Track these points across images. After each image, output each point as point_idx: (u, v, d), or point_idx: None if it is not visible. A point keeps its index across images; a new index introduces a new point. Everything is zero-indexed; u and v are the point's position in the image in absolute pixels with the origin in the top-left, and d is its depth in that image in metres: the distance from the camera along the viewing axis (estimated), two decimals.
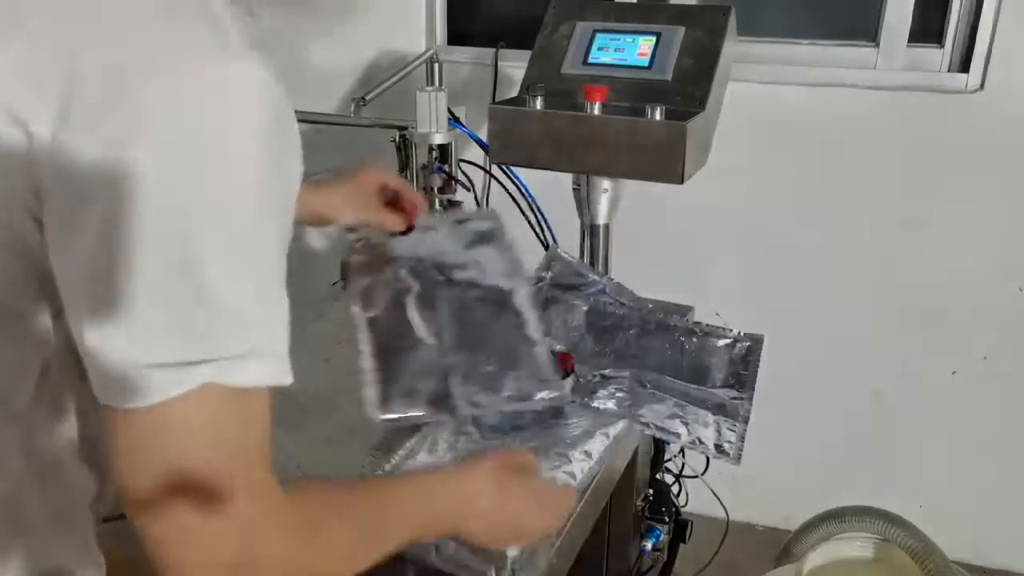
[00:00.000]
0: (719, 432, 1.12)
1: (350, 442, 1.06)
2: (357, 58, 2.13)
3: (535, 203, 1.68)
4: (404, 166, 1.47)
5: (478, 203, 1.76)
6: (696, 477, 1.50)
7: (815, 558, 1.54)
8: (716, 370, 1.22)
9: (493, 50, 2.00)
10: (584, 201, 1.46)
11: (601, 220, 1.47)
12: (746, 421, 1.14)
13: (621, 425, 1.10)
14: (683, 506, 1.53)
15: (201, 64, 0.55)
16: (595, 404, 1.14)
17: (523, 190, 1.67)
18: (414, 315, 1.10)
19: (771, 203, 1.98)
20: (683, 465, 1.52)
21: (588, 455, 1.03)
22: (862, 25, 1.91)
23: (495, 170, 1.68)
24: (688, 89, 1.30)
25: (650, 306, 1.36)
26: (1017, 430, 1.98)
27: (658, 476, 1.44)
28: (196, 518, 0.55)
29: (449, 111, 1.44)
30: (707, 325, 1.29)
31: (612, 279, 1.40)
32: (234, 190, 0.55)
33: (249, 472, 0.57)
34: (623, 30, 1.38)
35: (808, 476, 2.14)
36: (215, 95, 0.54)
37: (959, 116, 1.81)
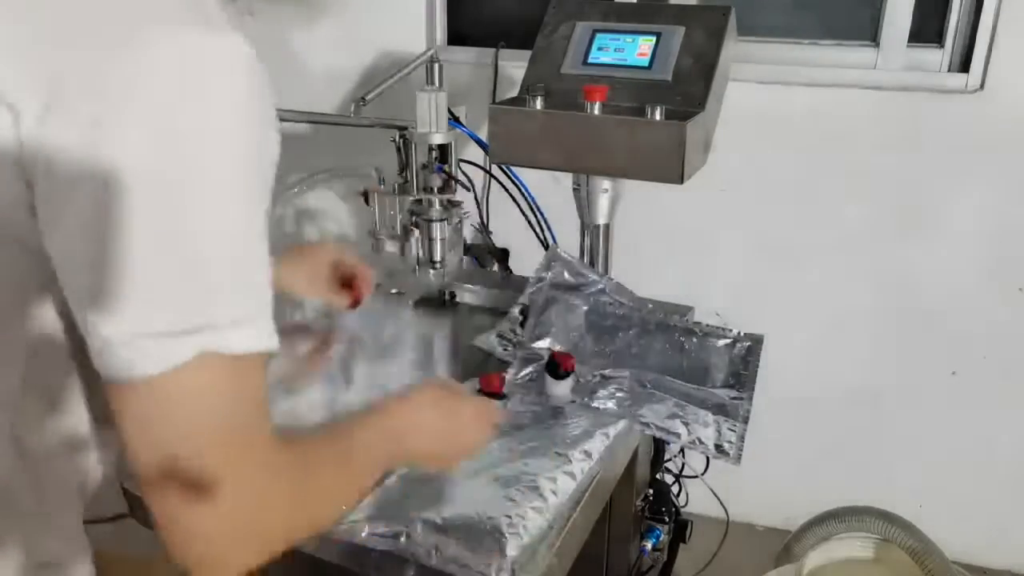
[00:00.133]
0: (719, 432, 1.12)
1: None
2: (357, 58, 2.13)
3: (535, 203, 1.68)
4: (404, 166, 1.47)
5: (478, 203, 1.76)
6: (696, 477, 1.50)
7: (815, 558, 1.54)
8: (716, 370, 1.22)
9: (493, 50, 2.00)
10: (584, 201, 1.46)
11: (601, 220, 1.47)
12: (746, 421, 1.14)
13: (621, 425, 1.10)
14: (683, 506, 1.53)
15: (184, 36, 0.56)
16: (595, 404, 1.14)
17: (523, 190, 1.67)
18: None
19: (771, 203, 1.98)
20: (683, 465, 1.52)
21: (588, 455, 1.03)
22: (862, 25, 1.91)
23: (495, 170, 1.68)
24: (688, 89, 1.30)
25: (650, 306, 1.36)
26: (1017, 430, 1.98)
27: (658, 476, 1.44)
28: (206, 483, 0.56)
29: (449, 111, 1.44)
30: (707, 325, 1.29)
31: (612, 279, 1.40)
32: (220, 162, 0.56)
33: (253, 435, 0.59)
34: (623, 30, 1.38)
35: (808, 476, 2.14)
36: (198, 65, 0.55)
37: (959, 116, 1.81)
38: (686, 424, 1.13)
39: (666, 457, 1.45)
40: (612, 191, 1.44)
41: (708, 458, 1.29)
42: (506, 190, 1.67)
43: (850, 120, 1.88)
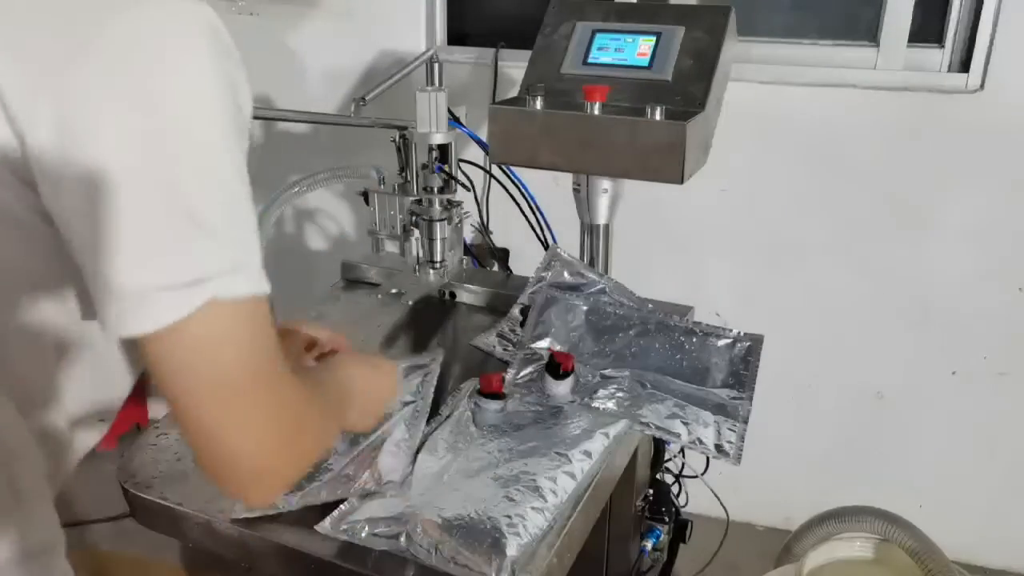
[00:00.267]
0: (719, 432, 1.12)
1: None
2: (357, 58, 2.13)
3: (535, 203, 1.68)
4: (404, 166, 1.47)
5: (478, 203, 1.76)
6: (696, 477, 1.50)
7: (815, 558, 1.54)
8: (716, 370, 1.22)
9: (493, 50, 2.00)
10: (584, 201, 1.46)
11: (601, 220, 1.47)
12: (746, 421, 1.14)
13: (621, 425, 1.10)
14: (683, 506, 1.53)
15: (141, 10, 0.59)
16: (595, 404, 1.14)
17: (523, 190, 1.67)
18: None
19: (771, 203, 1.98)
20: (683, 465, 1.52)
21: (588, 455, 1.03)
22: (862, 25, 1.91)
23: (495, 170, 1.68)
24: (688, 89, 1.30)
25: (650, 306, 1.36)
26: (1017, 430, 1.98)
27: (658, 476, 1.44)
28: (240, 415, 0.62)
29: (449, 111, 1.44)
30: (707, 325, 1.28)
31: (612, 279, 1.40)
32: (202, 116, 0.60)
33: (271, 367, 0.65)
34: (623, 30, 1.38)
35: (808, 476, 2.14)
36: (159, 33, 0.59)
37: (959, 116, 1.81)
38: (686, 424, 1.13)
39: (666, 457, 1.45)
40: (612, 191, 1.44)
41: (708, 458, 1.29)
42: (506, 190, 1.67)
43: (850, 120, 1.88)
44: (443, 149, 1.44)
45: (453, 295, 1.54)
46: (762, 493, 2.10)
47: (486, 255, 1.84)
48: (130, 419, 2.55)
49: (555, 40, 1.41)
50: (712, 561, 1.75)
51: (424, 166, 1.45)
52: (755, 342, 1.26)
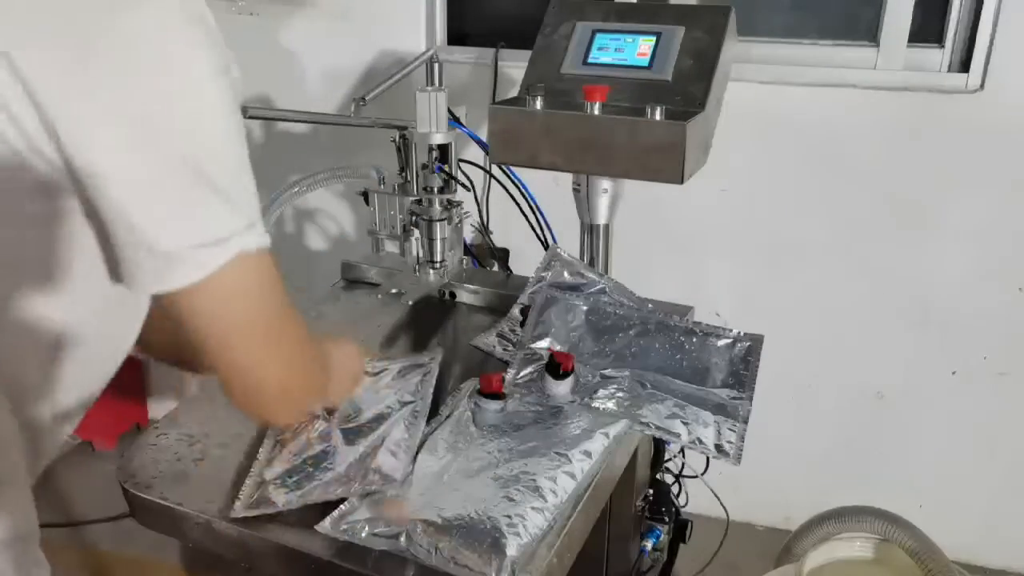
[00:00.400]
0: (719, 432, 1.12)
1: None
2: (357, 58, 2.13)
3: (535, 203, 1.68)
4: (404, 166, 1.47)
5: (478, 203, 1.76)
6: (696, 477, 1.50)
7: (815, 558, 1.54)
8: (716, 370, 1.22)
9: (493, 50, 2.00)
10: (584, 201, 1.46)
11: (601, 220, 1.47)
12: (746, 421, 1.14)
13: (621, 425, 1.10)
14: (683, 506, 1.53)
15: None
16: (595, 404, 1.14)
17: (523, 190, 1.67)
18: None
19: (771, 203, 1.98)
20: (683, 465, 1.52)
21: (588, 455, 1.03)
22: (862, 25, 1.91)
23: (495, 170, 1.68)
24: (688, 89, 1.30)
25: (650, 306, 1.36)
26: (1017, 430, 1.98)
27: (658, 476, 1.44)
28: (264, 356, 0.74)
29: (449, 111, 1.44)
30: (707, 325, 1.28)
31: (612, 279, 1.40)
32: (210, 101, 0.66)
33: (284, 308, 0.75)
34: (623, 30, 1.38)
35: (808, 476, 2.14)
36: (173, 23, 0.64)
37: (959, 116, 1.81)
38: (686, 424, 1.13)
39: (666, 457, 1.45)
40: (612, 191, 1.44)
41: (708, 458, 1.29)
42: (506, 190, 1.67)
43: (850, 120, 1.88)
44: (443, 149, 1.44)
45: (453, 295, 1.54)
46: (762, 493, 2.10)
47: (486, 255, 1.84)
48: (130, 419, 2.55)
49: (555, 40, 1.41)
50: (712, 561, 1.75)
51: (424, 166, 1.45)
52: (755, 342, 1.26)
